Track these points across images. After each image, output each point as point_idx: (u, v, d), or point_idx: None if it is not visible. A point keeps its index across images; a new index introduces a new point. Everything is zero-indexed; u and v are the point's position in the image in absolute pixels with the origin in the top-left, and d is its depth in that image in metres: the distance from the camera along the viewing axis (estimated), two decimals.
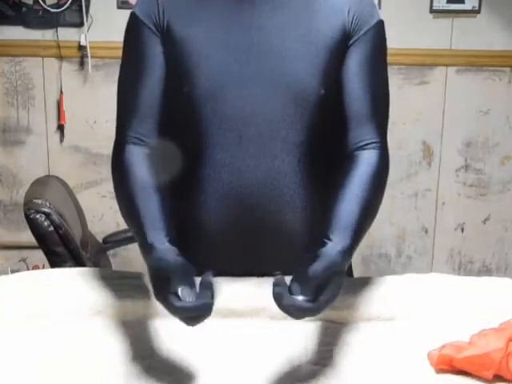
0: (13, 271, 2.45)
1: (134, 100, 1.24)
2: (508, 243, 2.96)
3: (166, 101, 1.25)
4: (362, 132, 1.22)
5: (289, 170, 1.24)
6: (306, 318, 1.12)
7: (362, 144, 1.21)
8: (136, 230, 1.12)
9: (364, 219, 1.12)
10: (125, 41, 1.29)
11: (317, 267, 0.96)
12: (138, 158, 1.21)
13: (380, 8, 2.63)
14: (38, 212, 1.61)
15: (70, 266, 1.58)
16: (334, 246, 1.02)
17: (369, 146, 1.21)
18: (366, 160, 1.20)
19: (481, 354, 0.96)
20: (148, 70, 1.24)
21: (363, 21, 1.24)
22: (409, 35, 2.69)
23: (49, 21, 2.62)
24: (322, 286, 0.95)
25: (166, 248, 1.05)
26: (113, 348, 1.04)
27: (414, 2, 2.70)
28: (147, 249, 1.06)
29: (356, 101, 1.22)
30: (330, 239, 1.04)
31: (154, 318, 1.13)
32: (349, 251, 1.04)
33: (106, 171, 2.67)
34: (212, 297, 0.95)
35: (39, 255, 1.71)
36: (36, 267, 2.72)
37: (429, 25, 2.72)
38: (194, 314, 0.94)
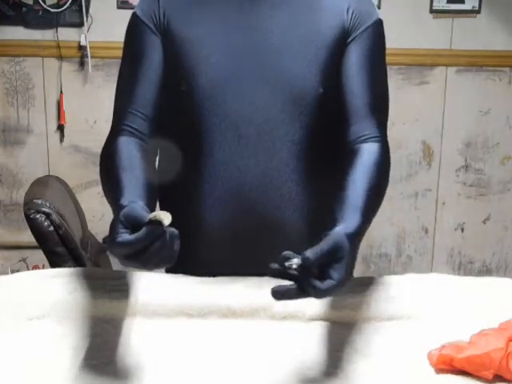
0: (13, 271, 2.45)
1: (131, 95, 1.24)
2: (508, 243, 2.96)
3: (164, 99, 1.26)
4: (362, 127, 1.23)
5: (287, 168, 1.25)
6: (306, 318, 1.13)
7: (363, 138, 1.22)
8: (113, 196, 1.08)
9: (370, 203, 1.10)
10: (125, 40, 1.30)
11: (320, 247, 0.90)
12: (129, 144, 1.21)
13: (380, 8, 2.63)
14: (38, 212, 1.61)
15: (70, 266, 1.58)
16: (340, 229, 0.98)
17: (370, 139, 1.22)
18: (368, 150, 1.20)
19: (481, 354, 0.96)
20: (146, 68, 1.25)
21: (362, 19, 1.25)
22: (409, 35, 2.69)
23: (49, 21, 2.61)
24: (328, 265, 0.89)
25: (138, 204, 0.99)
26: (112, 348, 1.04)
27: (414, 2, 2.70)
28: (119, 209, 0.98)
29: (356, 97, 1.23)
30: (337, 224, 1.00)
31: (154, 317, 1.13)
32: (356, 233, 1.00)
33: None
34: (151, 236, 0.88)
35: (39, 255, 1.71)
36: (36, 267, 2.72)
37: (429, 25, 2.72)
38: (128, 249, 0.89)
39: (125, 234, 0.90)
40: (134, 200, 1.02)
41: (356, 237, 0.99)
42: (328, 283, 0.88)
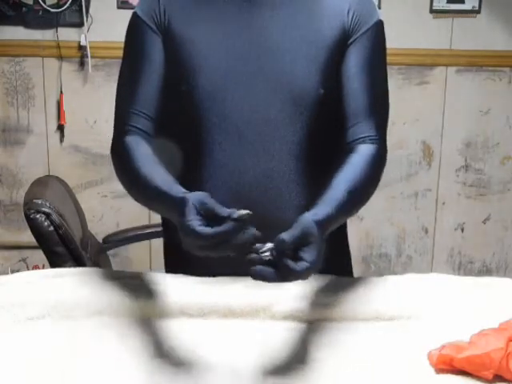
0: (13, 271, 2.45)
1: (133, 96, 1.24)
2: (508, 243, 2.96)
3: (165, 99, 1.25)
4: (360, 129, 1.23)
5: (287, 169, 1.25)
6: (306, 318, 1.13)
7: (361, 140, 1.22)
8: (154, 193, 1.09)
9: (347, 199, 1.11)
10: (126, 40, 1.30)
11: (291, 231, 0.94)
12: (138, 143, 1.22)
13: (380, 8, 2.63)
14: (38, 212, 1.61)
15: (70, 266, 1.58)
16: (308, 215, 1.00)
17: (366, 140, 1.22)
18: (361, 151, 1.21)
19: (481, 354, 0.96)
20: (148, 68, 1.25)
21: (363, 20, 1.25)
22: (409, 35, 2.69)
23: (49, 21, 2.61)
24: (299, 249, 0.93)
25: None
26: (112, 348, 1.04)
27: (414, 2, 2.70)
28: (180, 201, 0.97)
29: (355, 99, 1.23)
30: (308, 210, 1.03)
31: (154, 318, 1.13)
32: (324, 221, 1.00)
33: (106, 171, 2.67)
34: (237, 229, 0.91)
35: (39, 255, 1.71)
36: (36, 267, 2.72)
37: (429, 25, 2.72)
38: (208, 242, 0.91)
39: (199, 220, 0.92)
40: (184, 190, 1.04)
41: (324, 224, 1.00)
42: (302, 265, 0.91)
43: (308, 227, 0.96)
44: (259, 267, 0.91)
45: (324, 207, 1.05)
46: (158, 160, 1.18)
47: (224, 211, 0.93)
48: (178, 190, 1.05)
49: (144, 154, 1.19)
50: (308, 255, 0.92)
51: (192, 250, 0.94)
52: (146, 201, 1.17)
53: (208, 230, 0.91)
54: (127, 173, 1.20)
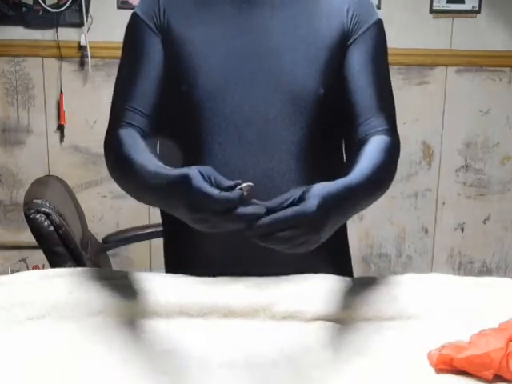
0: (13, 271, 2.45)
1: (131, 94, 1.24)
2: (508, 243, 2.96)
3: (164, 99, 1.25)
4: (372, 123, 1.23)
5: (287, 168, 1.25)
6: (306, 318, 1.12)
7: (372, 133, 1.22)
8: (151, 178, 1.08)
9: (363, 184, 1.10)
10: (125, 40, 1.30)
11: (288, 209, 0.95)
12: (132, 135, 1.22)
13: (380, 8, 2.64)
14: (38, 212, 1.61)
15: (70, 266, 1.58)
16: (317, 186, 0.99)
17: (379, 132, 1.22)
18: (375, 141, 1.21)
19: (481, 354, 0.96)
20: (146, 67, 1.25)
21: (362, 20, 1.25)
22: (409, 35, 2.69)
23: (49, 21, 2.62)
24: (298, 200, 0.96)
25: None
26: (112, 348, 1.04)
27: (414, 2, 2.70)
28: (183, 174, 0.97)
29: (363, 96, 1.23)
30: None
31: (154, 317, 1.13)
32: (326, 192, 0.99)
33: (106, 171, 2.67)
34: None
35: (39, 255, 1.71)
36: (36, 267, 2.72)
37: (429, 25, 2.72)
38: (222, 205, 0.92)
39: (207, 183, 0.93)
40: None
41: (325, 194, 0.99)
42: (289, 210, 0.94)
43: (294, 192, 0.98)
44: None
45: (331, 184, 1.03)
46: (152, 153, 1.18)
47: (228, 182, 0.94)
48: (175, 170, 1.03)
49: (137, 145, 1.18)
50: (301, 204, 0.94)
51: (201, 226, 0.94)
52: (140, 189, 1.14)
53: (220, 192, 0.91)
54: (120, 162, 1.19)
